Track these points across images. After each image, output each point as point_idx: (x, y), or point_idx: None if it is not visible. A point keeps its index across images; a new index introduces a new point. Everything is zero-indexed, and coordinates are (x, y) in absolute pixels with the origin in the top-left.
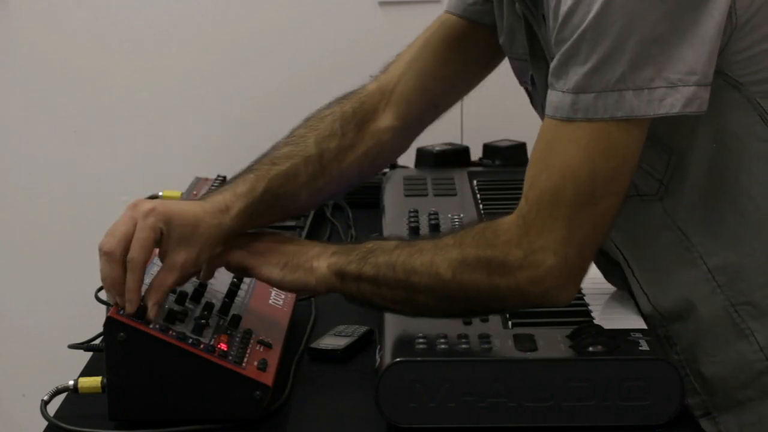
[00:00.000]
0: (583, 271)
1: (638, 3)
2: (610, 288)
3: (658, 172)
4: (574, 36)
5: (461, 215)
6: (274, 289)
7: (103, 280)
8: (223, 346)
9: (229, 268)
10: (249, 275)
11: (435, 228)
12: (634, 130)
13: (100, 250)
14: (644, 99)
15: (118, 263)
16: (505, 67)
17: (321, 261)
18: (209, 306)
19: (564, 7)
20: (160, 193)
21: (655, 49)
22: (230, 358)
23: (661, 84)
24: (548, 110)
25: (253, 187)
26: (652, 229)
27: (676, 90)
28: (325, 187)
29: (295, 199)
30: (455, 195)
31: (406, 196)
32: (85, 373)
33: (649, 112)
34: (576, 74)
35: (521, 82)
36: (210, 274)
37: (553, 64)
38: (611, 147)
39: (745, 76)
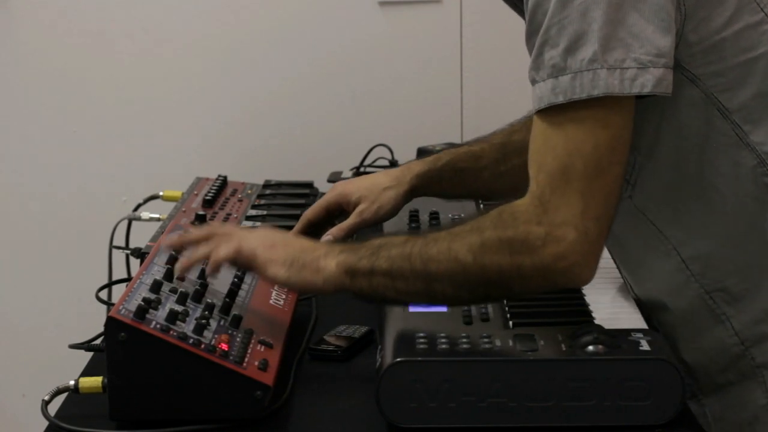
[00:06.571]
0: (601, 246)
1: None
2: (611, 287)
3: (626, 173)
4: (544, 23)
5: (461, 215)
6: (275, 288)
7: None
8: (224, 346)
9: (238, 258)
10: (254, 271)
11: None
12: (621, 102)
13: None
14: (617, 77)
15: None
16: (505, 66)
17: (329, 260)
18: (210, 306)
19: (531, 1)
20: (160, 193)
21: (621, 31)
22: (231, 358)
23: (632, 65)
24: (534, 105)
25: (439, 157)
26: (628, 225)
27: (646, 71)
28: (507, 173)
29: (478, 177)
30: None
31: None
32: (85, 373)
33: (624, 90)
34: (552, 58)
35: None
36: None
37: (531, 60)
38: (606, 118)
39: (700, 68)
